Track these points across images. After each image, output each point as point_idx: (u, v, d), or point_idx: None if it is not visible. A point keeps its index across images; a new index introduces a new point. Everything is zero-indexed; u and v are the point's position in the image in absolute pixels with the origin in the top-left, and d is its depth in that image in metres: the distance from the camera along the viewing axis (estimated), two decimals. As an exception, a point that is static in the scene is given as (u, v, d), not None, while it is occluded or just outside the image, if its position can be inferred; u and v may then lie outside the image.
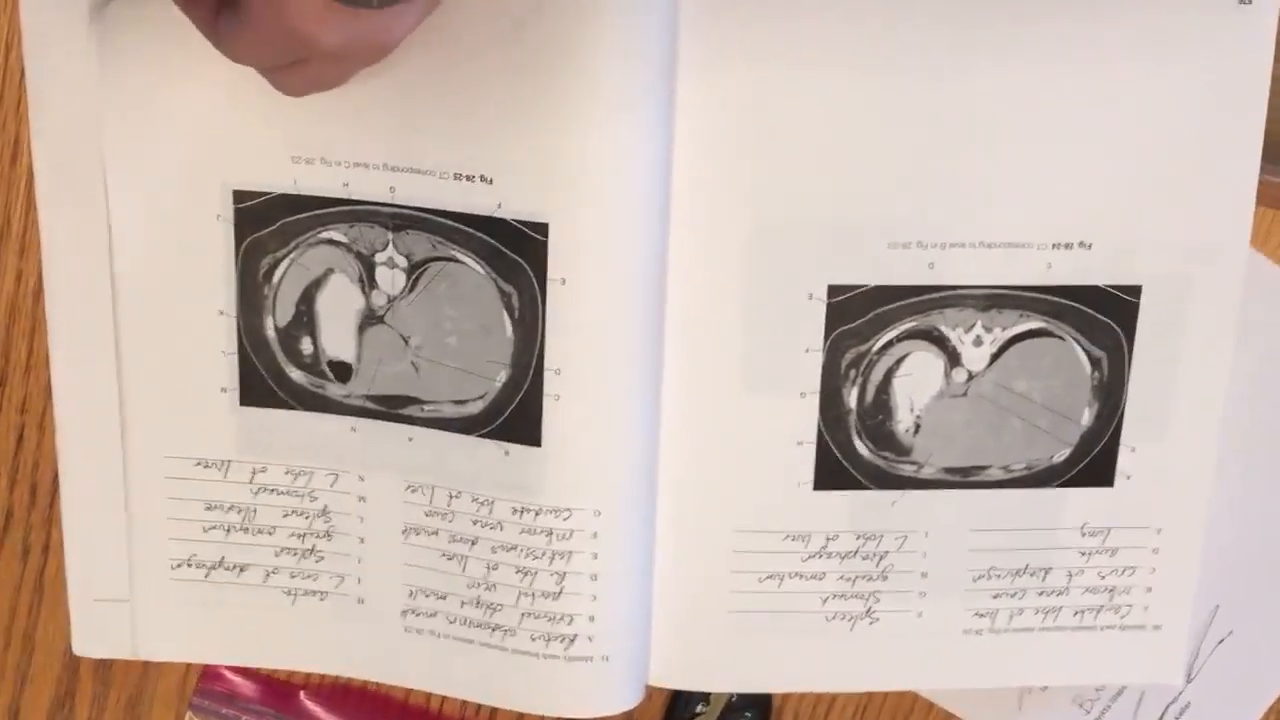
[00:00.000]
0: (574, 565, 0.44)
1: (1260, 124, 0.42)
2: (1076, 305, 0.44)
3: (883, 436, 0.45)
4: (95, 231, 0.43)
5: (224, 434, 0.45)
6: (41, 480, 0.48)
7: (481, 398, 0.43)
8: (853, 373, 0.44)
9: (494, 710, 0.50)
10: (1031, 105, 0.42)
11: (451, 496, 0.45)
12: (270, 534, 0.46)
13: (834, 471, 0.45)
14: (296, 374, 0.44)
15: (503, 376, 0.43)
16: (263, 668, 0.49)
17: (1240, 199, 0.43)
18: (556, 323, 0.42)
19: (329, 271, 0.43)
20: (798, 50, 0.41)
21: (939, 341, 0.44)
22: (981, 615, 0.47)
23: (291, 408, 0.45)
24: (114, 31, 0.41)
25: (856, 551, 0.46)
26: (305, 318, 0.44)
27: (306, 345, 0.44)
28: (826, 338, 0.44)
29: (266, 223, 0.43)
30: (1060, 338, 0.44)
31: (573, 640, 0.45)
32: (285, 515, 0.46)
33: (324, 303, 0.44)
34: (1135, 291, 0.44)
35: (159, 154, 0.42)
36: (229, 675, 0.50)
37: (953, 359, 0.44)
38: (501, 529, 0.44)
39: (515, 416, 0.43)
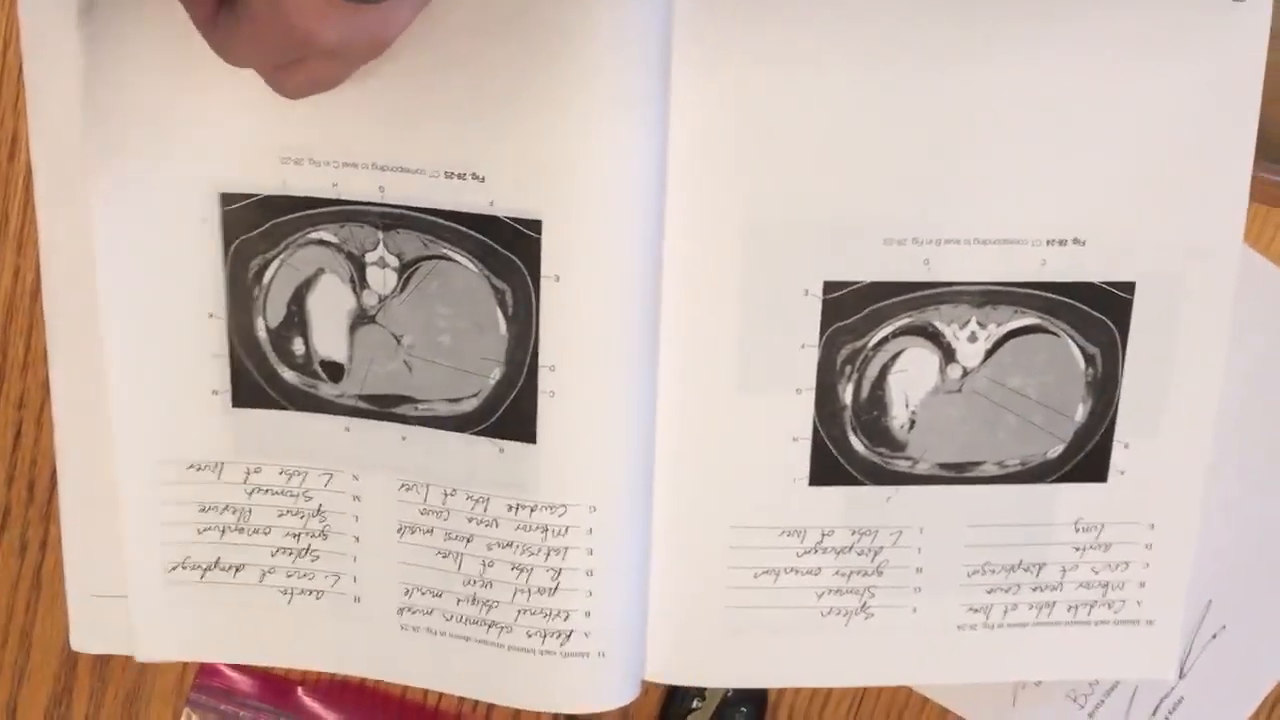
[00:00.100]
0: (570, 561, 0.44)
1: (1254, 121, 0.43)
2: (1071, 302, 0.44)
3: (878, 432, 0.45)
4: (93, 234, 0.43)
5: (217, 436, 0.45)
6: (39, 476, 0.48)
7: (475, 395, 0.43)
8: (848, 369, 0.44)
9: (490, 706, 0.50)
10: (1026, 103, 0.42)
11: (446, 495, 0.45)
12: (266, 534, 0.46)
13: (829, 467, 0.45)
14: (289, 374, 0.44)
15: (497, 374, 0.43)
16: (260, 666, 0.49)
17: (1234, 196, 0.43)
18: (550, 319, 0.42)
19: (319, 272, 0.43)
20: (793, 47, 0.41)
21: (934, 338, 0.44)
22: (976, 610, 0.47)
23: (284, 408, 0.45)
24: (100, 32, 0.40)
25: (852, 547, 0.46)
26: (296, 318, 0.44)
27: (298, 346, 0.44)
28: (822, 334, 0.44)
29: (255, 224, 0.43)
30: (1054, 334, 0.45)
31: (569, 636, 0.45)
32: (280, 515, 0.46)
33: (315, 303, 0.44)
34: (1129, 288, 0.44)
35: (143, 155, 0.42)
36: (227, 671, 0.50)
37: (948, 355, 0.45)
38: (497, 526, 0.44)
39: (510, 414, 0.43)
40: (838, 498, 0.46)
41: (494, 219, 0.41)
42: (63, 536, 0.46)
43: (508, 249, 0.42)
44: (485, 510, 0.44)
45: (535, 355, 0.42)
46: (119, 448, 0.45)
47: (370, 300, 0.43)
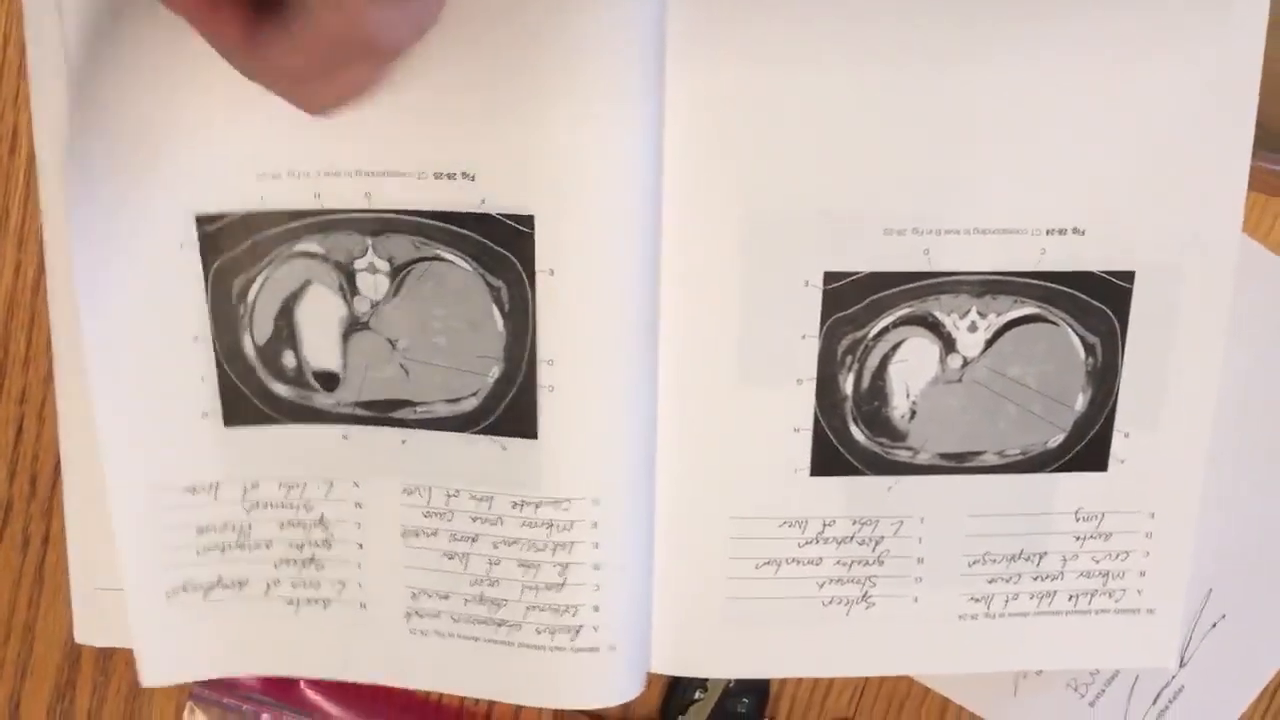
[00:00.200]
0: (576, 556, 0.44)
1: (1252, 110, 0.43)
2: (1070, 291, 0.44)
3: (878, 422, 0.45)
4: None
5: (210, 458, 0.44)
6: (41, 471, 0.48)
7: (474, 394, 0.43)
8: (849, 359, 0.45)
9: (492, 701, 0.50)
10: (1025, 93, 0.42)
11: (449, 496, 0.45)
12: (268, 547, 0.46)
13: (830, 458, 0.45)
14: (281, 388, 0.44)
15: (495, 371, 0.43)
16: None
17: (1232, 185, 0.44)
18: (547, 314, 0.42)
19: (306, 283, 0.43)
20: (789, 39, 0.41)
21: (934, 327, 0.45)
22: (977, 600, 0.47)
23: (278, 422, 0.44)
24: (83, 64, 0.40)
25: (853, 537, 0.46)
26: (285, 332, 0.44)
27: (289, 359, 0.44)
28: (822, 324, 0.44)
29: (235, 242, 0.42)
30: (1054, 323, 0.45)
31: (578, 631, 0.45)
32: (282, 527, 0.46)
33: (303, 315, 0.43)
34: (1129, 277, 0.44)
35: (118, 185, 0.41)
36: (229, 664, 0.50)
37: (948, 345, 0.45)
38: (501, 524, 0.44)
39: (510, 411, 0.43)
40: (839, 488, 0.46)
41: (486, 217, 0.41)
42: (66, 530, 0.46)
43: (501, 246, 0.42)
44: (489, 509, 0.44)
45: (533, 350, 0.42)
46: (110, 476, 0.43)
47: (362, 307, 0.43)
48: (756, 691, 0.50)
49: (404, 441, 0.44)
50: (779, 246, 0.43)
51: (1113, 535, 0.47)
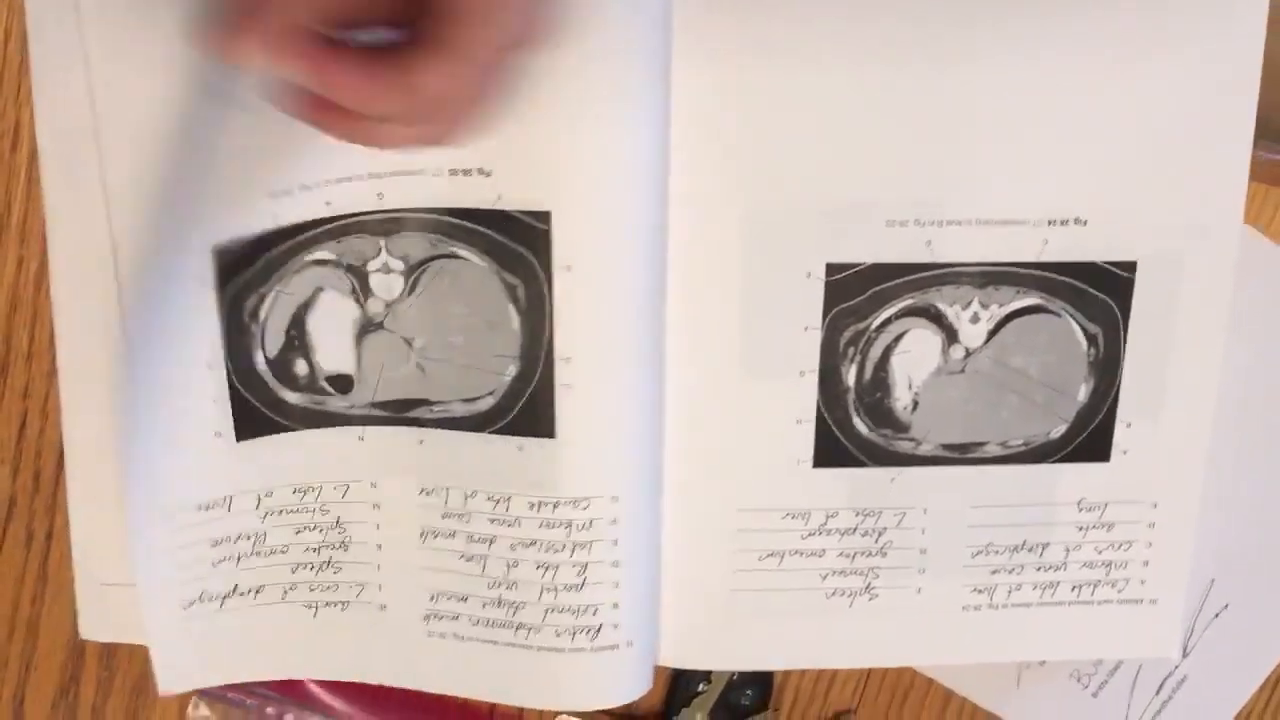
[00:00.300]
0: (595, 554, 0.44)
1: (1253, 100, 0.43)
2: (1072, 281, 0.44)
3: (881, 414, 0.45)
4: (98, 221, 0.43)
5: (222, 474, 0.44)
6: (45, 467, 0.48)
7: (491, 394, 0.43)
8: (851, 351, 0.45)
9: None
10: (1026, 84, 0.42)
11: (467, 497, 0.45)
12: (284, 552, 0.46)
13: (833, 449, 0.45)
14: (293, 396, 0.44)
15: (512, 370, 0.43)
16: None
17: (1234, 175, 0.44)
18: (564, 311, 0.42)
19: (318, 291, 0.43)
20: (792, 34, 0.41)
21: (936, 319, 0.45)
22: (980, 591, 0.47)
23: (292, 429, 0.44)
24: (108, 109, 0.41)
25: (856, 529, 0.46)
26: (296, 341, 0.43)
27: (300, 367, 0.44)
28: (825, 316, 0.44)
29: (247, 263, 0.42)
30: (1056, 314, 0.45)
31: (598, 630, 0.45)
32: (298, 532, 0.45)
33: (315, 322, 0.43)
34: (1130, 267, 0.44)
35: (147, 227, 0.41)
36: (233, 659, 0.50)
37: (950, 336, 0.45)
38: (519, 525, 0.44)
39: (527, 409, 0.43)
40: (842, 479, 0.46)
41: (502, 213, 0.41)
42: (70, 525, 0.46)
43: (517, 242, 0.42)
44: (507, 510, 0.44)
45: (550, 348, 0.42)
46: (127, 496, 0.43)
47: (376, 307, 0.43)
48: (760, 683, 0.50)
49: (421, 441, 0.44)
50: (781, 239, 0.43)
51: (1115, 525, 0.47)
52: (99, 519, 0.46)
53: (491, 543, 0.45)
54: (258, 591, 0.46)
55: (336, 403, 0.44)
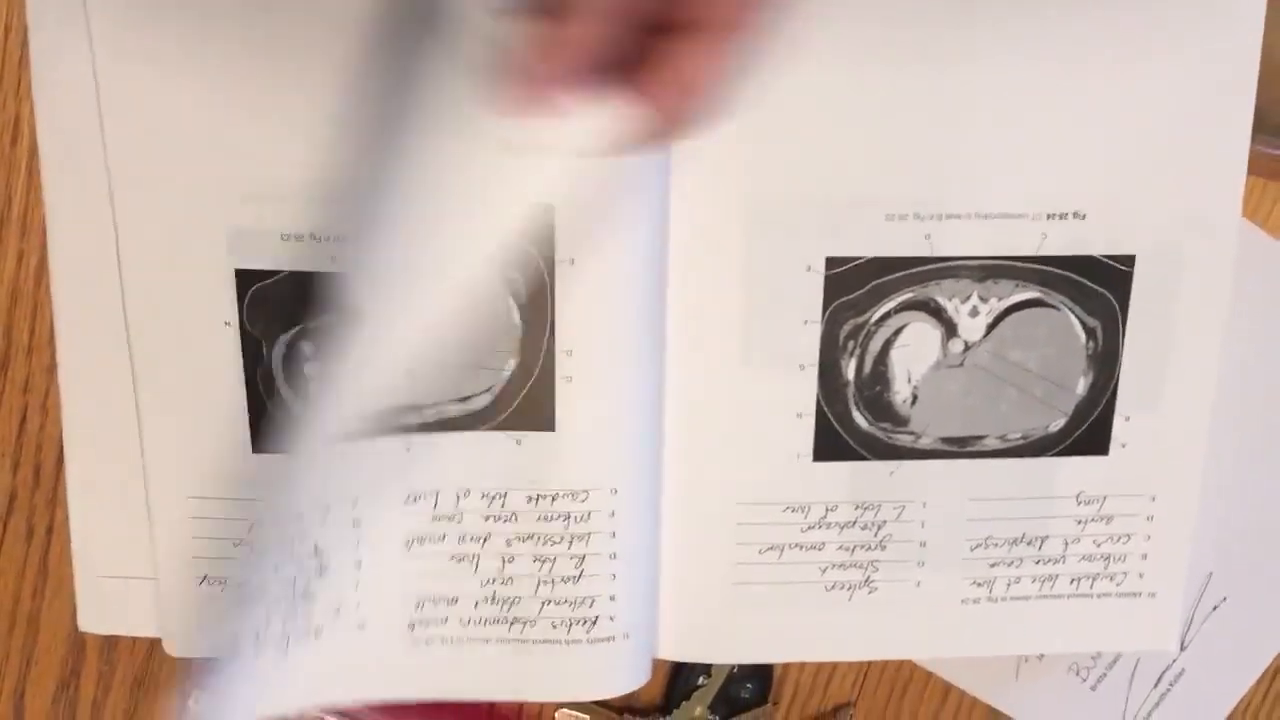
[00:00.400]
0: (593, 546, 0.44)
1: (1251, 95, 0.43)
2: (1071, 275, 0.44)
3: (881, 407, 0.45)
4: (100, 215, 0.43)
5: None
6: (45, 461, 0.48)
7: (488, 390, 0.43)
8: (851, 344, 0.45)
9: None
10: (1026, 79, 0.42)
11: (459, 497, 0.45)
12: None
13: (833, 443, 0.46)
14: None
15: (511, 365, 0.43)
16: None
17: (1232, 168, 0.44)
18: (566, 304, 0.42)
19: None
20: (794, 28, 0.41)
21: (936, 312, 0.45)
22: (979, 584, 0.47)
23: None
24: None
25: (855, 522, 0.46)
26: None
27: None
28: (825, 310, 0.44)
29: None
30: (1055, 307, 0.45)
31: (594, 622, 0.45)
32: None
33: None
34: (1129, 261, 0.44)
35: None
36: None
37: (949, 330, 0.45)
38: (516, 520, 0.44)
39: (526, 404, 0.43)
40: (841, 473, 0.46)
41: None
42: (70, 519, 0.46)
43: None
44: (503, 506, 0.44)
45: (551, 342, 0.42)
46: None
47: None
48: (760, 676, 0.50)
49: (408, 449, 0.44)
50: (781, 232, 0.43)
51: (1114, 519, 0.47)
52: (98, 512, 0.46)
53: (485, 540, 0.45)
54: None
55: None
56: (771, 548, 0.46)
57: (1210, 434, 0.46)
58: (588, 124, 0.31)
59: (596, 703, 0.50)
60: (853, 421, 0.45)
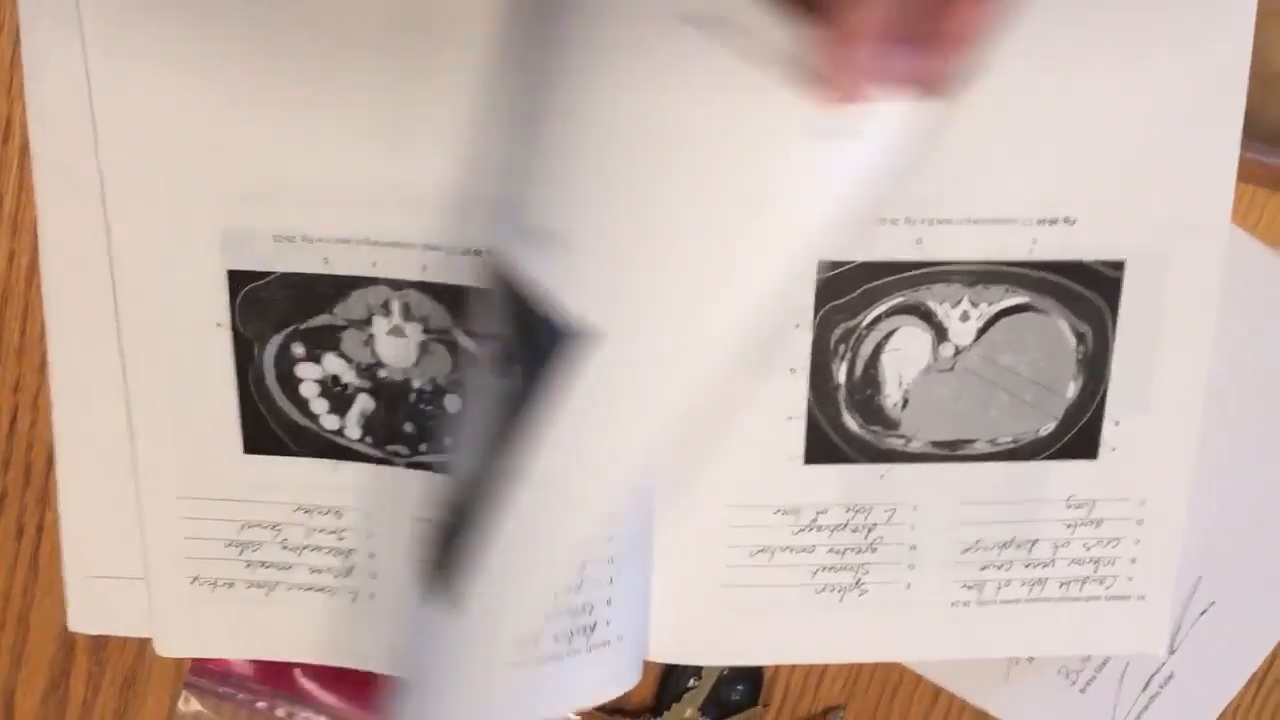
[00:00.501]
0: (593, 552, 0.44)
1: (1241, 101, 0.43)
2: (1061, 280, 0.45)
3: (872, 411, 0.46)
4: (92, 215, 0.43)
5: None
6: (35, 461, 0.48)
7: None
8: (842, 348, 0.45)
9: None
10: (1017, 83, 0.42)
11: None
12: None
13: (823, 446, 0.46)
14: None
15: None
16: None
17: (1222, 175, 0.44)
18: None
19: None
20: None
21: (926, 316, 0.45)
22: (969, 587, 0.48)
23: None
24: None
25: (846, 524, 0.47)
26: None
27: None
28: (816, 314, 0.44)
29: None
30: (1045, 312, 0.45)
31: (594, 628, 0.45)
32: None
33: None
34: (1119, 266, 0.45)
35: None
36: (224, 653, 0.50)
37: (940, 334, 0.45)
38: None
39: None
40: (831, 476, 0.46)
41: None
42: (61, 518, 0.46)
43: None
44: None
45: None
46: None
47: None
48: (750, 678, 0.50)
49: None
50: None
51: (1103, 522, 0.47)
52: (89, 512, 0.46)
53: None
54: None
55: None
56: (762, 550, 0.47)
57: (1199, 438, 0.46)
58: (889, 98, 0.28)
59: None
60: (844, 425, 0.46)
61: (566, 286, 0.31)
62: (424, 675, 0.39)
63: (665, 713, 0.50)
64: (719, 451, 0.45)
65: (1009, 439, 0.46)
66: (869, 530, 0.47)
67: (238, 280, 0.43)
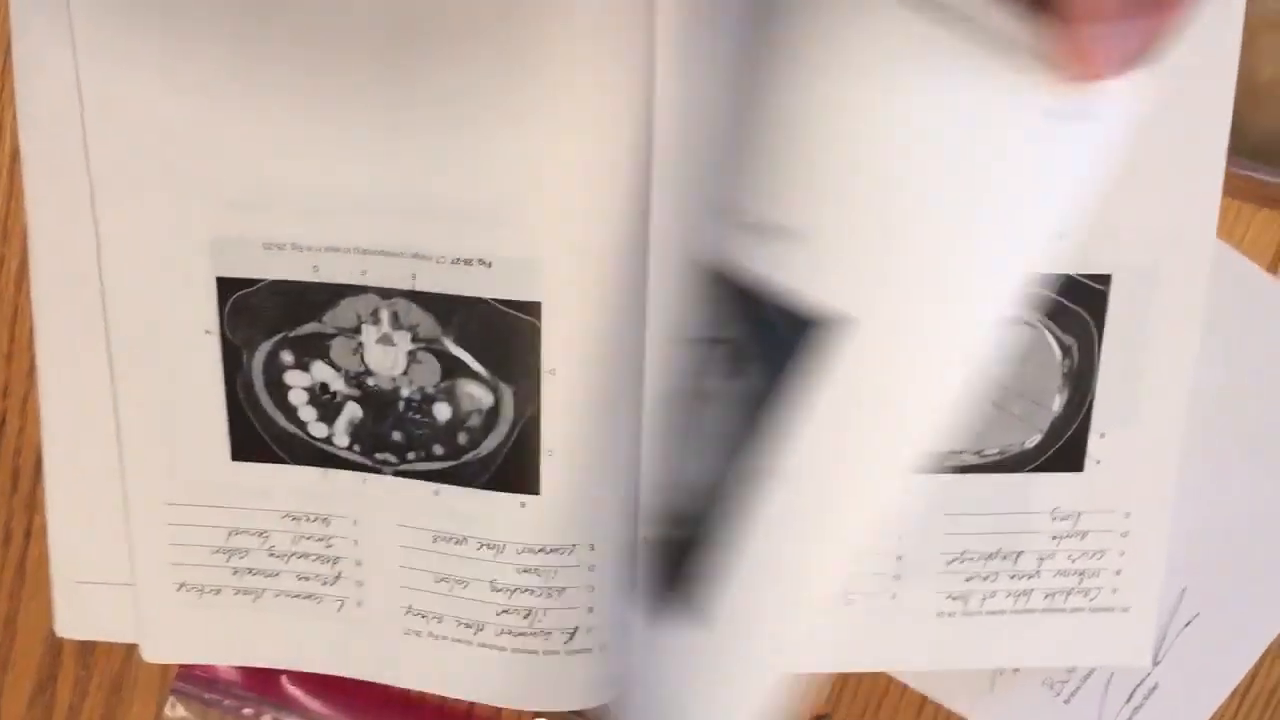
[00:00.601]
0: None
1: (1227, 115, 0.43)
2: (1048, 294, 0.45)
3: None
4: (82, 220, 0.43)
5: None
6: (23, 465, 0.48)
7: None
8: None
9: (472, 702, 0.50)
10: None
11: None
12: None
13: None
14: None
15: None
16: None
17: (1207, 191, 0.44)
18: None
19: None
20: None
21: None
22: (955, 598, 0.48)
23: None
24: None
25: (833, 535, 0.47)
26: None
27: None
28: None
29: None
30: (1032, 326, 0.45)
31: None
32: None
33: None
34: (1105, 280, 0.45)
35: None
36: (211, 659, 0.50)
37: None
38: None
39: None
40: None
41: None
42: (48, 524, 0.46)
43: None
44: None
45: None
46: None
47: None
48: (736, 688, 0.50)
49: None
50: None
51: (1088, 534, 0.47)
52: (77, 517, 0.46)
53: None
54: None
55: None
56: (749, 560, 0.47)
57: (1184, 451, 0.47)
58: (1120, 76, 0.28)
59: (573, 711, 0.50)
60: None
61: (808, 279, 0.30)
62: (671, 700, 0.38)
63: (651, 721, 0.50)
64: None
65: (995, 451, 0.46)
66: (855, 541, 0.47)
67: (227, 287, 0.43)
